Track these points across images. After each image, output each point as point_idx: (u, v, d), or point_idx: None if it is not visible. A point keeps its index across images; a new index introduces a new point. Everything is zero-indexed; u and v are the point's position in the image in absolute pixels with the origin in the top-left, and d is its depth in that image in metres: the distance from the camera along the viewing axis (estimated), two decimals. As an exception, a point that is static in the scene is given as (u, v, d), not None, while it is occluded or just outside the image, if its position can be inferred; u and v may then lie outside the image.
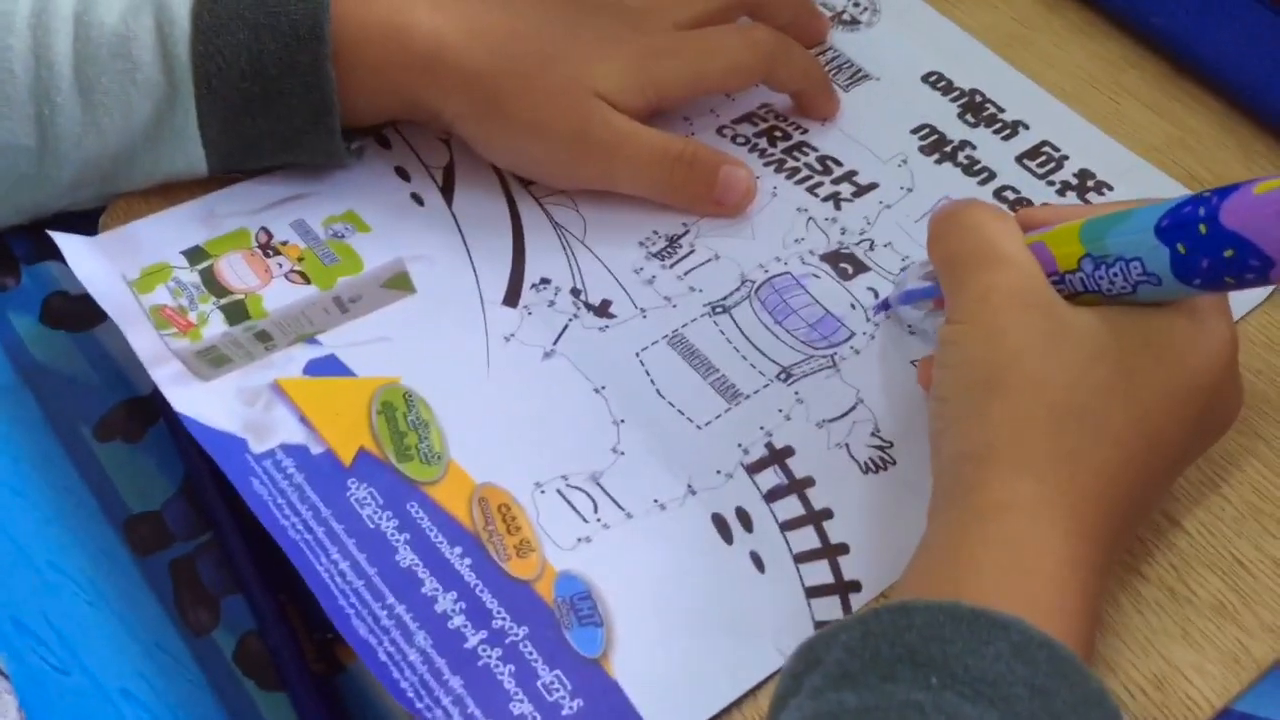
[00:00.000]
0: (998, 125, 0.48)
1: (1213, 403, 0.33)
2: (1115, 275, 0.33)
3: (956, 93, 0.49)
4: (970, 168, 0.47)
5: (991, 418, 0.32)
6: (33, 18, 0.40)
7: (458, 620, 0.34)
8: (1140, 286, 0.32)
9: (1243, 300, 0.43)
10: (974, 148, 0.47)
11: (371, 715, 0.35)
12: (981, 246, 0.34)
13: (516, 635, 0.34)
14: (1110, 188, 0.46)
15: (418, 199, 0.44)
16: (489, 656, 0.33)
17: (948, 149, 0.47)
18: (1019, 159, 0.47)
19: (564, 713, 0.33)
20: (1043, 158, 0.47)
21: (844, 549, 0.37)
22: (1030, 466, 0.31)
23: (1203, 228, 0.30)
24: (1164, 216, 0.31)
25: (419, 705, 0.32)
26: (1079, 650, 0.29)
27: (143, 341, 0.38)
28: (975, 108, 0.49)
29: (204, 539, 0.38)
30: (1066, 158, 0.47)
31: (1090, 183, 0.46)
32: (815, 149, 0.47)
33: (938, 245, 0.36)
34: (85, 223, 0.43)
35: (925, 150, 0.47)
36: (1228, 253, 0.30)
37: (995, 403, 0.32)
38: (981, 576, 0.30)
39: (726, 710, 0.34)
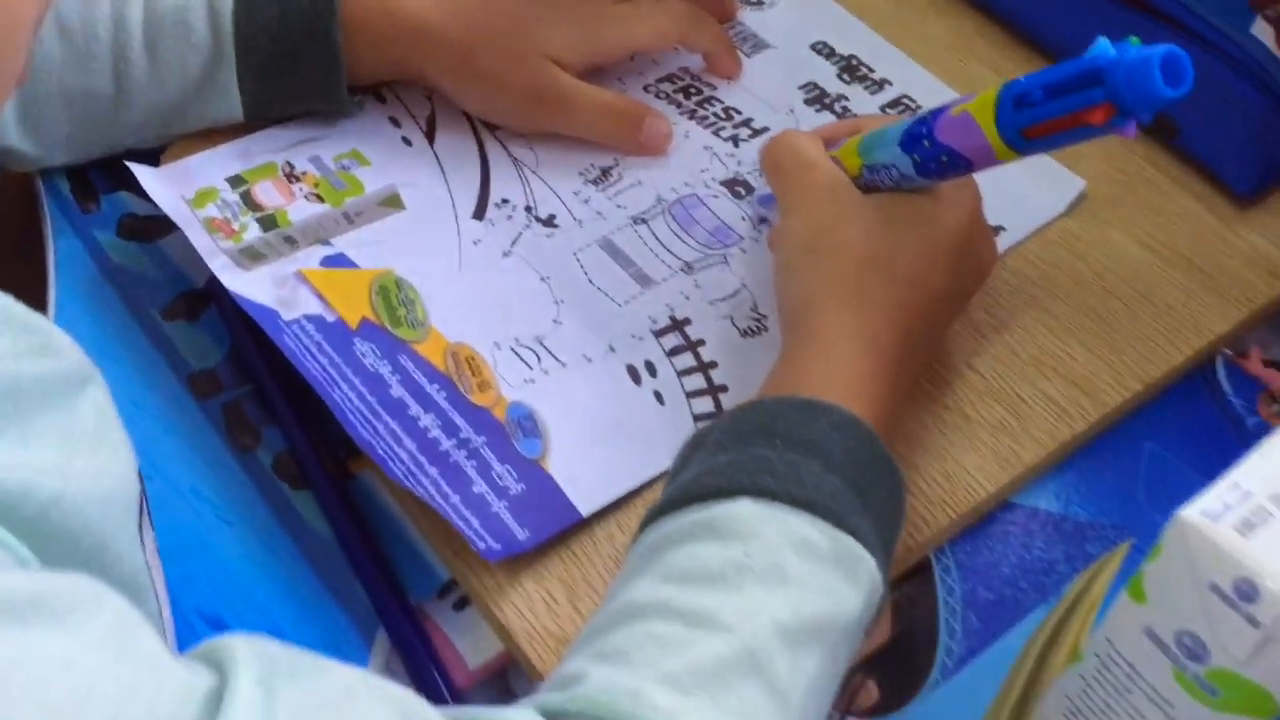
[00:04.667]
0: (868, 83, 0.60)
1: (967, 251, 0.46)
2: (884, 178, 0.45)
3: (837, 58, 0.61)
4: (843, 115, 0.59)
5: (813, 275, 0.44)
6: None
7: (435, 432, 0.46)
8: (902, 182, 0.45)
9: (1045, 211, 0.55)
10: (848, 100, 0.60)
11: (373, 509, 0.47)
12: (797, 158, 0.47)
13: (478, 442, 0.46)
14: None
15: (407, 141, 0.57)
16: (458, 455, 0.46)
17: (826, 101, 0.60)
18: (883, 108, 0.59)
19: (511, 493, 0.45)
20: (901, 107, 0.59)
21: (724, 388, 0.49)
22: (839, 304, 0.43)
23: (926, 142, 0.43)
24: (902, 135, 0.44)
25: (409, 483, 0.44)
26: (878, 430, 0.41)
27: (200, 242, 0.51)
28: (851, 69, 0.61)
29: (246, 388, 0.50)
30: (920, 107, 0.59)
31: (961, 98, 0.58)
32: (721, 101, 0.59)
33: (767, 161, 0.49)
34: (147, 160, 0.56)
35: (809, 102, 0.60)
36: (944, 158, 0.43)
37: (815, 264, 0.44)
38: (810, 380, 0.42)
39: (628, 498, 0.46)
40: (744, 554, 0.36)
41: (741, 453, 0.39)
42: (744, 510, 0.37)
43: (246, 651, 0.29)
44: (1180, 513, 0.33)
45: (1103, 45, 0.39)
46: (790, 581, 0.36)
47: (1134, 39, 0.39)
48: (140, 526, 0.36)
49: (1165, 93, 0.37)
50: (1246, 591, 0.32)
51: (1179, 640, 0.34)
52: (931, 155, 0.43)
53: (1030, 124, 0.40)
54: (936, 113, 0.44)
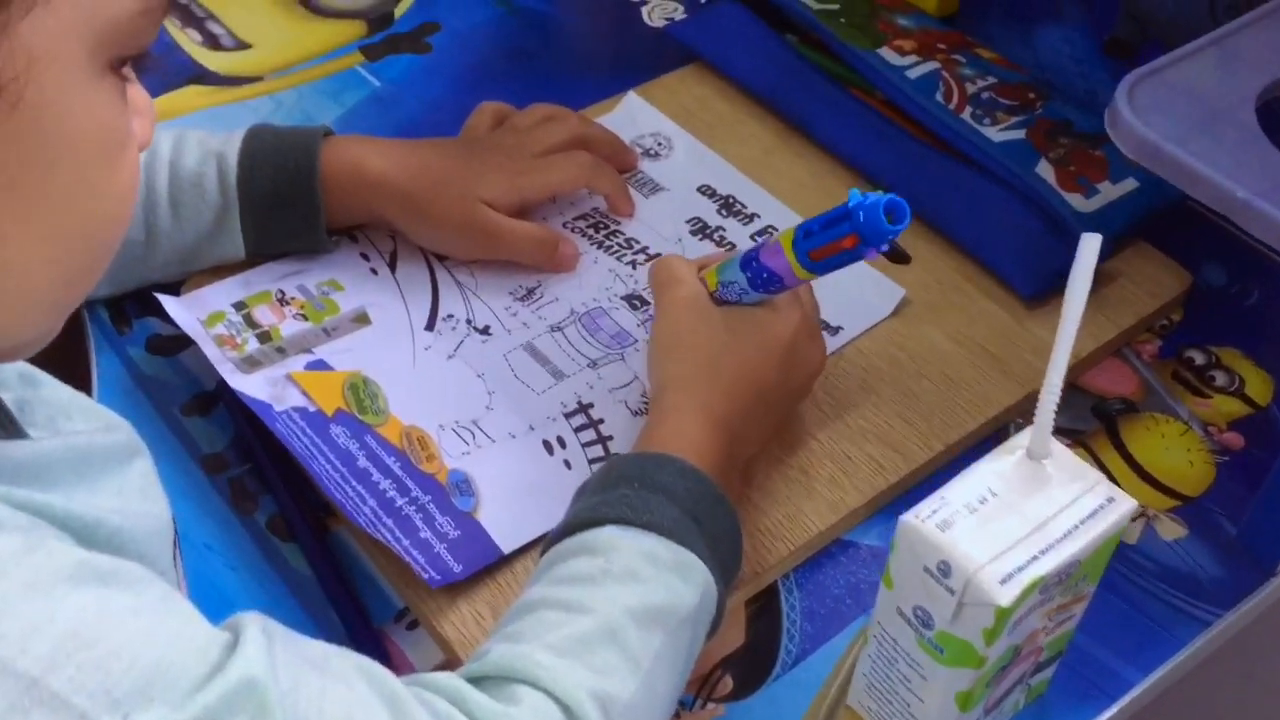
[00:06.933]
0: (741, 216, 0.76)
1: (793, 353, 0.60)
2: (731, 292, 0.60)
3: (717, 197, 0.77)
4: (720, 243, 0.74)
5: (671, 366, 0.59)
6: (145, 161, 0.67)
7: (391, 493, 0.60)
8: (744, 296, 0.60)
9: (875, 313, 0.70)
10: (725, 231, 0.75)
11: (345, 556, 0.61)
12: (671, 276, 0.62)
13: (424, 500, 0.60)
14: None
15: (374, 271, 0.72)
16: (409, 510, 0.60)
17: (708, 232, 0.75)
18: (752, 236, 0.75)
19: (450, 537, 0.59)
20: (767, 235, 0.75)
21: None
22: (687, 389, 0.58)
23: (755, 263, 0.58)
24: (741, 258, 0.59)
25: (370, 529, 0.58)
26: (712, 476, 0.55)
27: (211, 353, 0.65)
28: (729, 206, 0.77)
29: (247, 467, 0.64)
30: (782, 234, 0.75)
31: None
32: (624, 233, 0.75)
33: (650, 278, 0.64)
34: (169, 292, 0.70)
35: (693, 233, 0.75)
36: (765, 275, 0.58)
37: (673, 358, 0.59)
38: (662, 441, 0.56)
39: (540, 539, 0.59)
40: (606, 562, 0.50)
41: (609, 494, 0.53)
42: (608, 533, 0.51)
43: (253, 619, 0.42)
44: (901, 518, 0.47)
45: (854, 193, 0.54)
46: (640, 581, 0.50)
47: (880, 189, 0.54)
48: (175, 558, 0.50)
49: (889, 228, 0.52)
50: (945, 569, 0.45)
51: (915, 613, 0.48)
52: (757, 273, 0.58)
53: (812, 249, 0.55)
54: (763, 243, 0.59)
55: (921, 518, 0.46)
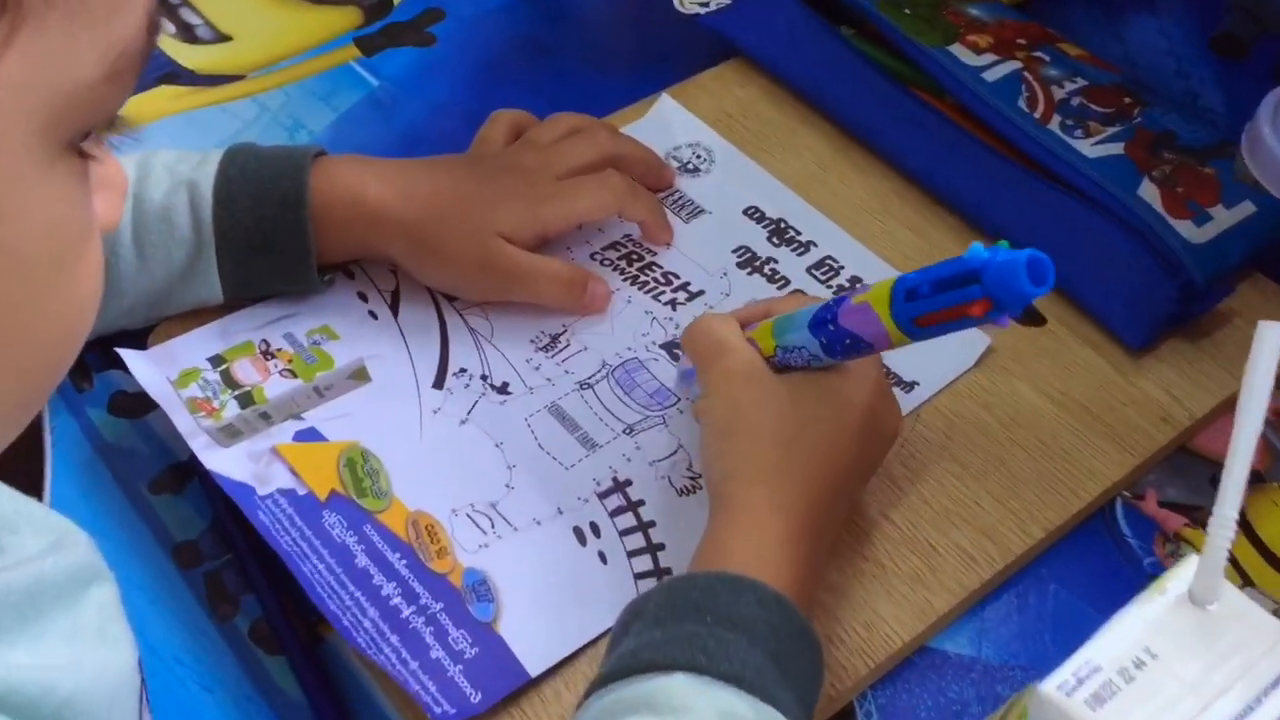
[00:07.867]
0: (795, 245, 0.66)
1: (871, 422, 0.50)
2: (795, 357, 0.50)
3: (767, 222, 0.67)
4: (772, 277, 0.64)
5: (733, 453, 0.49)
6: None
7: (396, 600, 0.51)
8: (811, 361, 0.50)
9: (956, 366, 0.60)
10: (776, 262, 0.65)
11: (342, 672, 0.52)
12: (716, 343, 0.52)
13: (435, 609, 0.51)
14: (873, 288, 0.64)
15: (373, 314, 0.62)
16: (417, 622, 0.50)
17: (757, 264, 0.65)
18: (808, 270, 0.65)
19: (466, 657, 0.49)
20: (825, 268, 0.65)
21: (661, 547, 0.54)
22: (757, 479, 0.48)
23: (831, 326, 0.48)
24: (810, 319, 0.49)
25: (370, 652, 0.49)
26: (796, 597, 0.46)
27: (183, 422, 0.56)
28: (779, 232, 0.66)
29: (226, 558, 0.55)
30: (843, 267, 0.65)
31: (859, 285, 0.64)
32: (661, 266, 0.65)
33: (689, 347, 0.54)
34: (136, 339, 0.61)
35: (740, 265, 0.65)
36: (847, 341, 0.48)
37: (734, 443, 0.49)
38: (734, 555, 0.47)
39: (573, 656, 0.50)
40: (676, 729, 0.41)
41: (676, 628, 0.44)
42: (678, 685, 0.42)
43: None
44: (1040, 687, 0.37)
45: (977, 248, 0.43)
46: (717, 753, 0.41)
47: (1004, 242, 0.44)
48: (139, 714, 0.41)
49: (1031, 290, 0.42)
50: (1096, 759, 0.36)
51: (1048, 798, 0.39)
52: (836, 338, 0.48)
53: (920, 314, 0.45)
54: (840, 300, 0.49)
55: (1066, 690, 0.37)
